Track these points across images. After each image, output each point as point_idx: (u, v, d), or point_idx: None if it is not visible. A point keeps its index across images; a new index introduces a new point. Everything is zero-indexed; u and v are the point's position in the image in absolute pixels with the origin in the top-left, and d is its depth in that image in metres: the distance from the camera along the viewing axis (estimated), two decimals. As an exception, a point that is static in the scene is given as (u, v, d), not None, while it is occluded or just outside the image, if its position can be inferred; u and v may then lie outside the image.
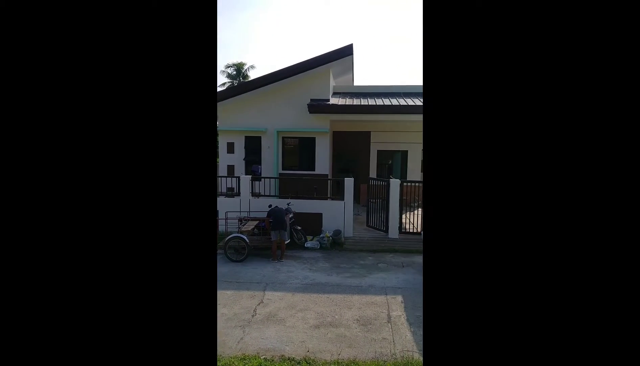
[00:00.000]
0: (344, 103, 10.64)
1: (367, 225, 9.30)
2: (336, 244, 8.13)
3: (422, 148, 13.21)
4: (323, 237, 8.14)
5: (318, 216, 8.65)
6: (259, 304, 5.28)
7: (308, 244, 8.06)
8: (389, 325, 4.69)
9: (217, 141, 11.15)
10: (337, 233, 8.28)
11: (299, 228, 8.17)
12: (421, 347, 4.15)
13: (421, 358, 3.93)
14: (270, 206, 7.79)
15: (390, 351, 4.11)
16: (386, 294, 5.62)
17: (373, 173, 12.31)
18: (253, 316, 4.91)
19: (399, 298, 5.50)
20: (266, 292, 5.71)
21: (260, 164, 11.05)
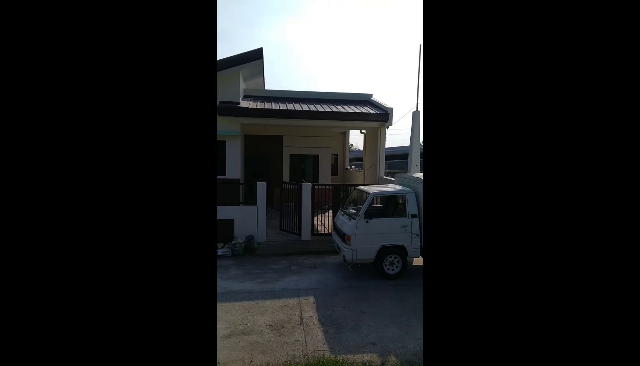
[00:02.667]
0: (255, 106, 10.53)
1: (281, 229, 9.33)
2: (249, 250, 7.99)
3: (331, 153, 13.81)
4: (235, 244, 7.93)
5: (230, 223, 8.40)
6: (164, 319, 4.91)
7: (219, 252, 7.77)
8: (301, 326, 4.76)
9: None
10: (249, 238, 8.14)
11: (209, 235, 7.82)
12: (331, 345, 4.31)
13: (331, 356, 4.07)
14: None
15: (303, 352, 4.17)
16: (299, 297, 5.70)
17: (286, 177, 12.42)
18: (157, 333, 4.55)
19: (311, 299, 5.62)
20: (172, 306, 5.34)
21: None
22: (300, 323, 4.83)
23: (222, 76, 10.19)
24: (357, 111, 10.66)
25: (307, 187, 8.66)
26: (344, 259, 6.76)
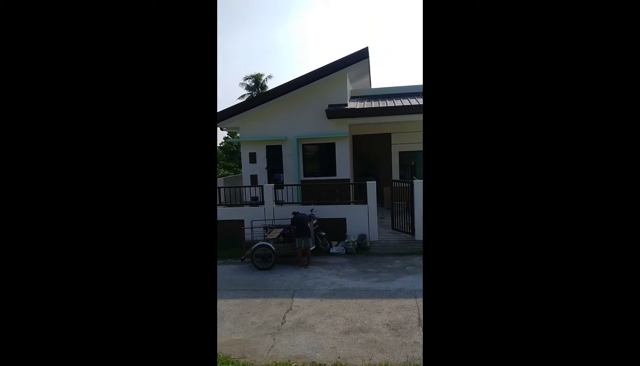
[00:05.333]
0: (362, 106, 10.61)
1: (393, 228, 9.19)
2: (362, 249, 8.07)
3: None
4: (348, 242, 8.10)
5: (342, 221, 8.63)
6: (287, 311, 5.30)
7: (333, 250, 8.04)
8: (420, 328, 4.59)
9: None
10: (362, 237, 8.22)
11: (324, 233, 8.16)
12: (455, 350, 4.04)
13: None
14: (294, 213, 7.84)
15: (423, 354, 4.02)
16: (416, 298, 5.52)
17: (396, 175, 12.19)
18: (283, 323, 4.93)
19: (429, 301, 5.38)
20: (294, 299, 5.72)
21: (282, 172, 11.16)
22: (419, 325, 4.66)
23: (329, 80, 10.55)
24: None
25: (419, 184, 8.34)
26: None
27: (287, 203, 9.51)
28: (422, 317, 4.87)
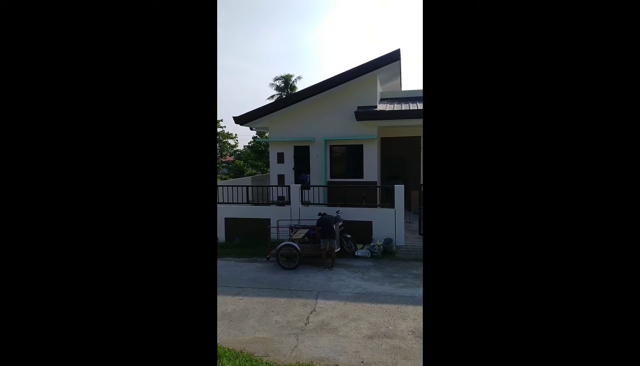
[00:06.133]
0: (391, 109, 10.48)
1: (420, 233, 9.01)
2: (387, 253, 7.96)
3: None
4: (374, 245, 8.01)
5: (368, 224, 8.54)
6: (311, 312, 5.29)
7: (359, 253, 7.97)
8: (447, 338, 4.47)
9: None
10: (388, 241, 8.11)
11: (349, 236, 8.11)
12: (483, 363, 3.90)
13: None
14: (320, 214, 7.84)
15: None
16: (442, 306, 5.38)
17: (424, 179, 11.94)
18: (306, 324, 4.93)
19: (457, 310, 5.23)
20: (318, 300, 5.71)
21: (309, 173, 11.19)
22: (446, 334, 4.54)
23: (358, 82, 10.50)
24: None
25: (448, 189, 8.13)
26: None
27: (313, 204, 9.52)
28: (449, 326, 4.73)
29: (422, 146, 12.10)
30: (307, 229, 8.05)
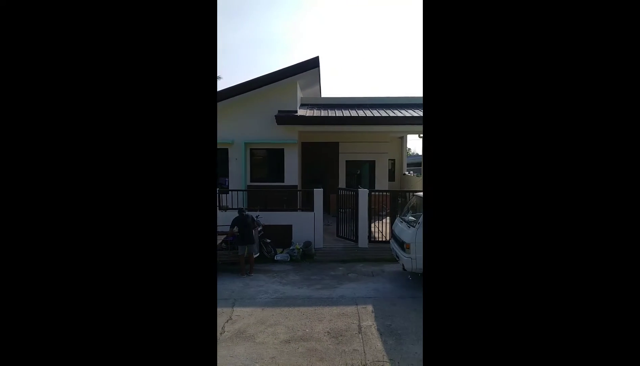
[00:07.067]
0: (312, 114, 10.70)
1: (337, 235, 9.33)
2: (307, 256, 8.08)
3: (388, 158, 13.56)
4: (293, 249, 8.07)
5: (288, 228, 8.58)
6: (227, 321, 5.12)
7: (278, 257, 7.96)
8: (360, 335, 4.68)
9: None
10: (307, 244, 8.24)
11: (269, 240, 8.05)
12: (391, 356, 4.17)
13: (392, 368, 3.94)
14: (239, 209, 7.63)
15: (362, 362, 4.09)
16: (357, 305, 5.63)
17: (342, 183, 12.42)
18: (221, 334, 4.75)
19: (370, 308, 5.51)
20: (235, 308, 5.56)
21: (227, 176, 10.86)
22: (359, 332, 4.75)
23: (279, 86, 10.52)
24: (415, 114, 10.36)
25: (363, 193, 8.57)
26: (403, 268, 6.56)
27: (232, 209, 9.25)
28: (361, 324, 4.97)
29: (339, 151, 12.56)
30: (225, 236, 7.78)
